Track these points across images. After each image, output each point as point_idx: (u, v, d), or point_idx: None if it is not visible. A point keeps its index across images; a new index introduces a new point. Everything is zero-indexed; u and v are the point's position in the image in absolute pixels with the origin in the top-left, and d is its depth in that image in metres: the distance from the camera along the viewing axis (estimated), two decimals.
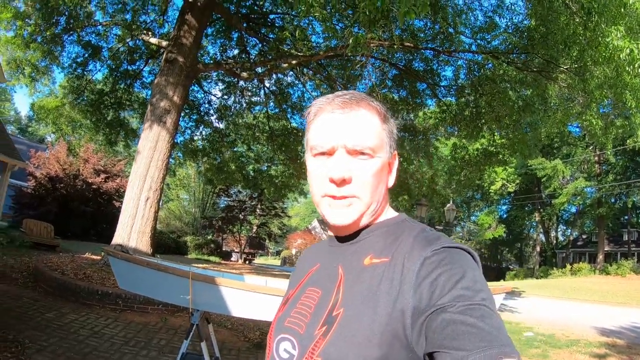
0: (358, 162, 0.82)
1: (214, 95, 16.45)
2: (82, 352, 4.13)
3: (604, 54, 6.50)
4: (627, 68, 6.47)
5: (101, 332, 4.88)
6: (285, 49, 11.20)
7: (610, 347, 7.80)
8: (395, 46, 9.42)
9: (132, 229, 8.78)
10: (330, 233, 0.96)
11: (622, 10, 6.17)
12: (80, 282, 6.50)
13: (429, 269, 0.70)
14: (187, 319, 6.42)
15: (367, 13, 5.36)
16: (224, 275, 4.87)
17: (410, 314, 0.68)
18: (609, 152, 32.40)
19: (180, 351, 3.59)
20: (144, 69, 14.37)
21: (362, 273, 0.79)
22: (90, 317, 5.42)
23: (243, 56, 13.86)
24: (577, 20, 7.01)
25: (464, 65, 11.96)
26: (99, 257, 9.46)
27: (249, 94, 16.27)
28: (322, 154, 0.84)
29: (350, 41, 6.01)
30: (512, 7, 10.51)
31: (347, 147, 0.82)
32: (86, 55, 13.10)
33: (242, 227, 37.51)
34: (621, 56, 6.25)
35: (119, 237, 8.60)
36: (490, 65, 10.55)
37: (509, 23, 10.58)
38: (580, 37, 7.14)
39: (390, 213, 0.92)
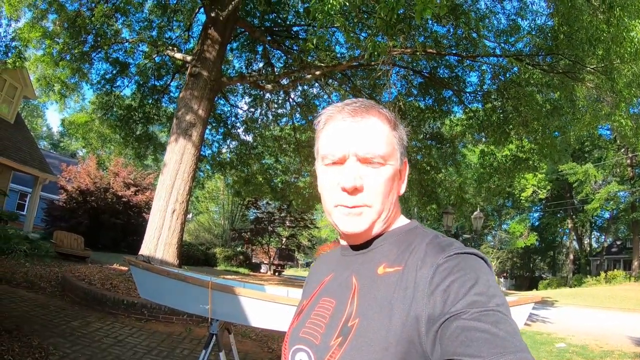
0: (369, 170, 0.82)
1: (240, 109, 16.59)
2: (105, 359, 4.19)
3: (629, 50, 6.29)
4: None
5: (125, 340, 4.95)
6: (309, 60, 11.28)
7: None
8: (418, 53, 9.38)
9: (159, 240, 8.93)
10: (344, 242, 0.94)
11: None
12: (107, 292, 6.64)
13: (442, 275, 0.70)
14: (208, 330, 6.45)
15: (383, 16, 5.33)
16: (245, 285, 4.88)
17: (424, 322, 0.67)
18: None
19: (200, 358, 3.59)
20: (171, 83, 14.70)
21: (376, 282, 0.79)
22: (115, 326, 5.51)
23: (268, 69, 14.02)
24: (600, 16, 6.82)
25: (489, 70, 11.79)
26: (126, 268, 9.64)
27: (275, 106, 16.44)
28: (334, 163, 0.84)
29: (369, 47, 5.98)
30: (534, 8, 10.34)
31: (358, 155, 0.82)
32: (114, 71, 13.47)
33: (271, 239, 37.64)
34: None
35: (145, 249, 8.76)
36: (515, 69, 10.37)
37: (532, 25, 10.40)
38: (605, 34, 6.94)
39: (402, 220, 0.91)
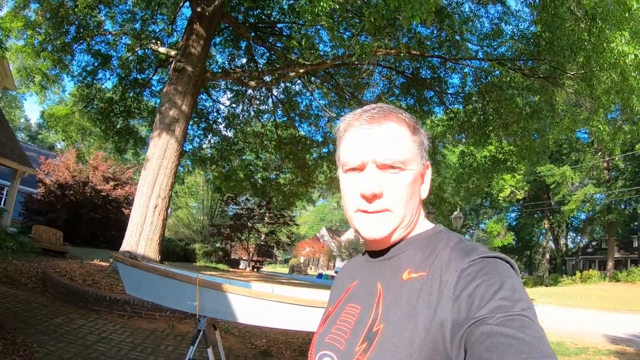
0: (389, 176, 0.82)
1: (223, 104, 16.51)
2: (90, 357, 4.16)
3: (609, 60, 6.48)
4: (632, 73, 6.45)
5: (109, 337, 4.91)
6: (293, 58, 11.27)
7: (619, 354, 7.70)
8: (402, 54, 9.46)
9: (141, 236, 8.85)
10: (363, 248, 0.97)
11: (627, 14, 6.16)
12: (89, 288, 6.57)
13: (467, 280, 0.70)
14: (195, 326, 6.41)
15: (373, 20, 5.41)
16: (232, 282, 4.90)
17: (449, 327, 0.67)
18: (617, 158, 32.14)
19: (186, 357, 3.61)
20: (153, 77, 14.48)
21: (401, 288, 0.78)
22: (98, 323, 5.46)
23: (251, 65, 13.96)
24: (582, 26, 7.00)
25: (471, 73, 11.96)
26: (107, 264, 9.54)
27: (257, 102, 16.37)
28: (353, 169, 0.85)
29: (357, 49, 6.04)
30: (518, 14, 10.51)
31: (377, 161, 0.82)
32: (96, 64, 13.24)
33: (251, 235, 37.54)
34: (627, 61, 6.23)
35: (127, 244, 8.67)
36: (497, 72, 10.55)
37: (515, 30, 10.58)
38: (586, 43, 7.13)
39: (425, 225, 0.91)
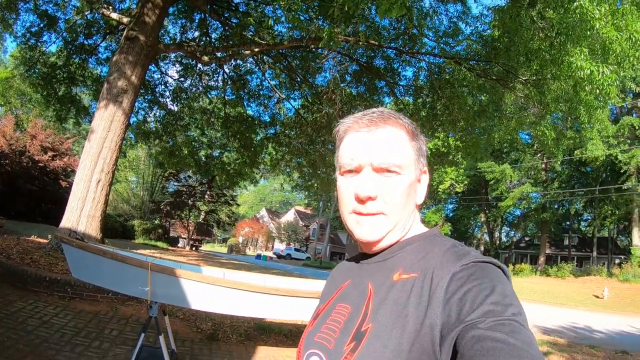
0: (385, 179, 0.83)
1: (171, 77, 15.86)
2: (32, 343, 3.92)
3: (566, 72, 6.81)
4: (586, 87, 6.81)
5: (50, 321, 4.64)
6: (249, 36, 11.03)
7: (552, 345, 8.19)
8: (361, 43, 9.48)
9: (82, 212, 8.44)
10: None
11: (588, 32, 6.48)
12: (27, 268, 6.15)
13: (458, 284, 0.70)
14: (138, 308, 6.25)
15: (346, 9, 5.35)
16: (182, 266, 4.77)
17: (439, 330, 0.67)
18: (554, 161, 34.19)
19: (137, 344, 3.50)
20: (101, 44, 13.75)
21: (391, 289, 0.78)
22: (38, 306, 5.13)
23: (204, 39, 13.53)
24: (542, 36, 7.30)
25: (426, 67, 12.16)
26: (46, 241, 9.00)
27: (207, 78, 15.91)
28: (350, 171, 0.86)
29: (325, 35, 5.99)
30: (480, 17, 10.77)
31: (373, 164, 0.82)
32: (41, 25, 12.41)
33: (191, 213, 36.86)
34: (582, 75, 6.57)
35: (67, 221, 8.23)
36: (450, 69, 10.82)
37: (474, 31, 10.84)
38: (544, 53, 7.44)
39: (420, 228, 0.91)
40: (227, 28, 12.94)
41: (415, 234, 0.88)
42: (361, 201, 0.82)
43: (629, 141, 31.26)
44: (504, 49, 8.81)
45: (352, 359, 0.73)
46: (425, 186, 0.92)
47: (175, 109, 16.43)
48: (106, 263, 3.70)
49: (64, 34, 12.74)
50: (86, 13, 11.21)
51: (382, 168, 0.82)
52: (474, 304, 0.65)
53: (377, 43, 11.06)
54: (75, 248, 3.77)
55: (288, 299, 3.98)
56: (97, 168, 8.72)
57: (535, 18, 7.43)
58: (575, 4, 6.06)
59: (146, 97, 15.50)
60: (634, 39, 6.64)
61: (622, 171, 31.44)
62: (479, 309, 0.64)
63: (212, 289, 3.85)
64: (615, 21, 6.38)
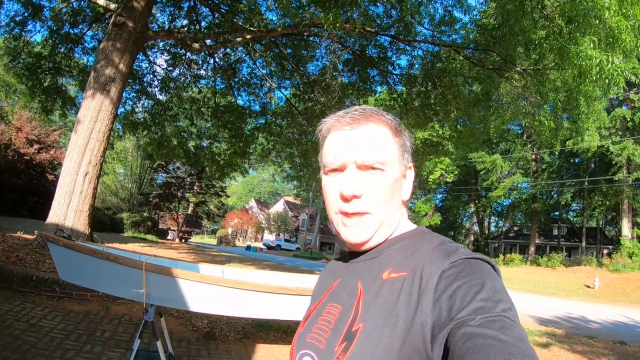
0: (369, 176, 0.82)
1: (159, 66, 15.46)
2: (19, 349, 3.63)
3: (574, 61, 6.69)
4: (593, 77, 6.68)
5: (39, 324, 4.36)
6: (240, 23, 10.72)
7: (551, 336, 8.24)
8: (357, 30, 9.25)
9: (69, 206, 8.12)
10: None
11: (596, 21, 6.37)
12: (13, 267, 5.81)
13: (448, 281, 0.69)
14: (130, 307, 6.00)
15: None
16: (177, 264, 4.53)
17: (430, 329, 0.66)
18: (544, 152, 34.41)
19: (133, 350, 3.26)
20: (87, 33, 13.33)
21: (381, 288, 0.78)
22: (25, 307, 4.83)
23: (192, 28, 13.20)
24: (548, 23, 7.12)
25: (422, 56, 11.96)
26: (32, 237, 8.66)
27: (196, 67, 15.54)
28: (334, 170, 0.85)
29: (330, 17, 5.78)
30: (476, 6, 10.60)
31: (357, 162, 0.82)
32: (26, 14, 11.98)
33: (180, 205, 36.56)
34: (590, 65, 6.45)
35: (54, 216, 7.91)
36: (447, 57, 10.65)
37: (472, 19, 10.67)
38: (546, 42, 7.31)
39: (407, 226, 0.90)
40: (217, 15, 12.59)
41: (403, 232, 0.88)
42: (346, 199, 0.81)
43: (620, 133, 31.57)
44: (502, 38, 8.67)
45: (344, 359, 0.73)
46: (411, 182, 0.92)
47: (164, 98, 16.05)
48: (97, 263, 3.44)
49: (49, 22, 12.33)
50: (72, 1, 10.81)
51: (366, 165, 0.82)
52: (463, 301, 0.65)
53: (373, 30, 10.83)
54: (63, 247, 3.50)
55: (294, 297, 3.78)
56: (84, 160, 8.40)
57: (541, 5, 7.24)
58: None
59: (134, 86, 15.09)
60: None
61: (613, 162, 31.90)
62: (469, 306, 0.63)
63: (213, 290, 3.63)
64: (624, 10, 6.24)
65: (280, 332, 6.08)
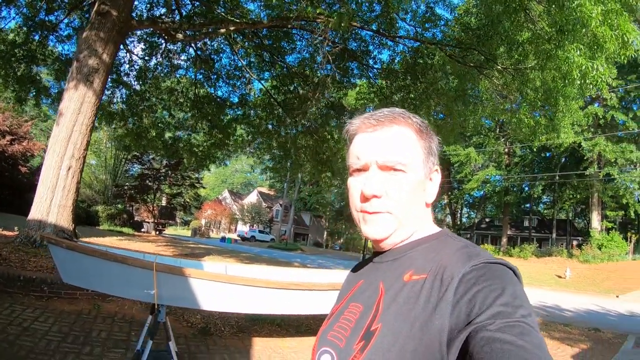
0: (390, 177, 0.84)
1: (137, 55, 15.02)
2: (17, 356, 3.50)
3: (562, 67, 6.93)
4: (577, 82, 6.94)
5: (32, 327, 4.20)
6: (221, 12, 10.54)
7: None
8: (343, 25, 9.22)
9: (52, 202, 7.87)
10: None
11: (583, 30, 6.65)
12: None
13: (468, 285, 0.69)
14: (121, 304, 5.86)
15: None
16: (181, 262, 4.45)
17: (447, 332, 0.67)
18: (516, 146, 35.22)
19: (145, 352, 3.18)
20: (63, 20, 12.82)
21: (401, 289, 0.79)
22: (15, 310, 4.63)
23: (171, 16, 12.89)
24: (534, 28, 7.33)
25: (405, 51, 12.00)
26: (13, 233, 8.33)
27: (175, 56, 15.17)
28: (358, 170, 0.87)
29: (335, 18, 5.73)
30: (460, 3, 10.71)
31: (378, 162, 0.84)
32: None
33: (155, 197, 35.92)
34: (576, 70, 6.70)
35: (37, 212, 7.65)
36: (430, 53, 10.74)
37: (456, 16, 10.77)
38: (527, 43, 7.50)
39: (431, 228, 0.91)
40: (197, 4, 12.33)
41: (427, 234, 0.89)
42: (366, 199, 0.83)
43: (592, 129, 32.55)
44: (485, 37, 8.85)
45: (361, 358, 0.74)
46: (436, 185, 0.92)
47: (141, 89, 15.59)
48: (103, 265, 3.35)
49: (24, 9, 11.81)
50: None
51: (388, 166, 0.83)
52: (483, 305, 0.65)
53: (359, 25, 10.81)
54: (65, 249, 3.38)
55: (308, 292, 3.80)
56: (67, 154, 8.15)
57: (529, 11, 7.46)
58: (576, 2, 6.13)
59: (111, 76, 14.61)
60: (625, 38, 6.86)
61: (585, 158, 32.92)
62: (489, 311, 0.64)
63: (228, 288, 3.61)
64: (609, 21, 6.51)
65: (274, 325, 6.10)
